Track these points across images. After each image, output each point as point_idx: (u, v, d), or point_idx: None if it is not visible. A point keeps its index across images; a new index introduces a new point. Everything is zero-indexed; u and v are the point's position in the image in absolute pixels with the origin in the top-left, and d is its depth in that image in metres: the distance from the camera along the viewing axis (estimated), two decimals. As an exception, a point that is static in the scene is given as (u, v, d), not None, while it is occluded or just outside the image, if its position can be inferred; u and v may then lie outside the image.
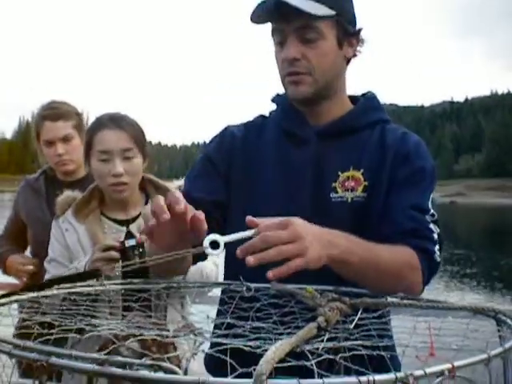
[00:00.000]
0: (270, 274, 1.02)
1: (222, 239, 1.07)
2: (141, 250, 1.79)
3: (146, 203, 2.10)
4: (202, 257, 1.46)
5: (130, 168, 2.01)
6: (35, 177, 2.76)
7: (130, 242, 1.80)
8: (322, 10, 1.37)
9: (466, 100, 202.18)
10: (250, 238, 1.07)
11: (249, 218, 1.10)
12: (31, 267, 2.55)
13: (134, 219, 2.08)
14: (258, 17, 1.42)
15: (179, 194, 1.10)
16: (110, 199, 2.10)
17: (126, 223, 2.08)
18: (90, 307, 1.12)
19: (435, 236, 1.38)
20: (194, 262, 1.48)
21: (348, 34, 1.46)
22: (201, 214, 1.11)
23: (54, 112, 2.59)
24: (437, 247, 1.37)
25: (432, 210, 1.41)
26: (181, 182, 2.04)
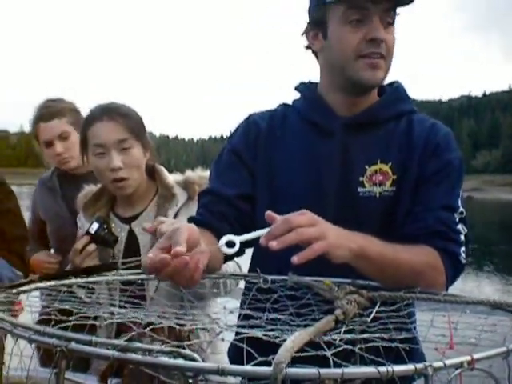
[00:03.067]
0: (294, 258, 1.01)
1: (238, 239, 1.08)
2: (105, 226, 1.91)
3: (155, 196, 2.02)
4: (232, 255, 1.46)
5: (129, 160, 1.92)
6: (48, 175, 2.74)
7: (94, 227, 1.88)
8: None
9: (484, 95, 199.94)
10: None
11: (268, 212, 1.09)
12: (57, 266, 2.57)
13: (138, 216, 2.00)
14: None
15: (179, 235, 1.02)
16: (117, 196, 2.04)
17: (129, 221, 2.01)
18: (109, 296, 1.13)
19: (461, 237, 1.35)
20: (226, 260, 1.44)
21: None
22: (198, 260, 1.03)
23: (47, 111, 2.55)
24: (462, 249, 1.34)
25: (461, 208, 1.37)
26: (203, 172, 1.99)
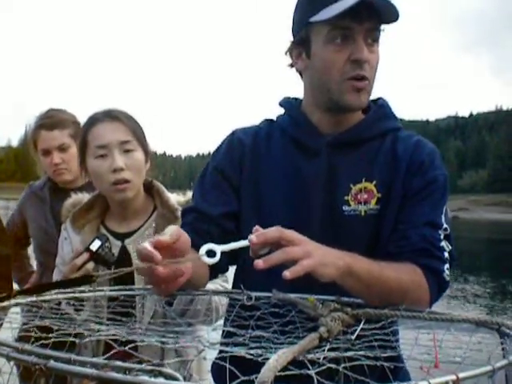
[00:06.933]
0: (286, 273, 0.99)
1: (219, 248, 1.07)
2: (107, 244, 1.80)
3: (152, 214, 1.94)
4: (216, 272, 1.45)
5: (131, 162, 1.84)
6: (40, 185, 2.74)
7: (96, 245, 1.78)
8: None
9: (471, 115, 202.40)
10: (247, 247, 1.06)
11: (257, 228, 1.09)
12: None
13: (133, 233, 1.91)
14: (333, 13, 1.31)
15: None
16: (112, 207, 1.94)
17: (122, 237, 1.91)
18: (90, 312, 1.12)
19: (445, 254, 1.35)
20: (211, 277, 1.43)
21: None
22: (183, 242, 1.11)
23: (49, 121, 2.58)
24: (446, 266, 1.34)
25: (445, 225, 1.36)
26: (189, 194, 1.92)
